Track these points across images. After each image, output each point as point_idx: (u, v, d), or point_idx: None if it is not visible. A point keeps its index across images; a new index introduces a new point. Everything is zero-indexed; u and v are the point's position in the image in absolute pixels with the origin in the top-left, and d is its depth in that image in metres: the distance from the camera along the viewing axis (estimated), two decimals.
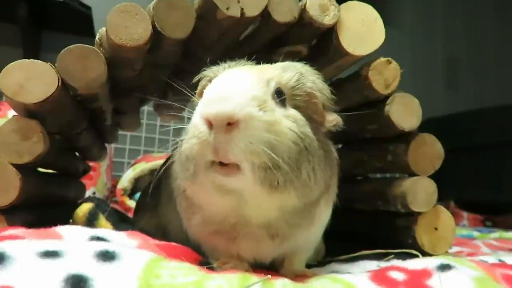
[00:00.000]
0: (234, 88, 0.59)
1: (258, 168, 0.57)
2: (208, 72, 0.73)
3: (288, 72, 0.67)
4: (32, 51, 2.36)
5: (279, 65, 0.70)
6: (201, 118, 0.58)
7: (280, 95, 0.64)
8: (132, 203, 2.11)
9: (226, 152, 0.56)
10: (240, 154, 0.56)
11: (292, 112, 0.64)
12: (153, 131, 2.86)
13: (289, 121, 0.62)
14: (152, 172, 2.17)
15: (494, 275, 0.63)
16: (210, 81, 0.70)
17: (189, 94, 0.71)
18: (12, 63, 0.73)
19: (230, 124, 0.56)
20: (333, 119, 0.69)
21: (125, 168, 2.66)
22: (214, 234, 0.69)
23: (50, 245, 0.54)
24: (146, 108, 2.37)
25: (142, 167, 2.28)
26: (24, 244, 0.54)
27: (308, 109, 0.67)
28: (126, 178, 2.26)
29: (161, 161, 0.80)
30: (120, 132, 1.48)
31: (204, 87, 0.70)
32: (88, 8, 2.38)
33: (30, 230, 0.66)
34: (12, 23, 2.39)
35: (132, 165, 2.40)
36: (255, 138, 0.57)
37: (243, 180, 0.58)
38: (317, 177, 0.65)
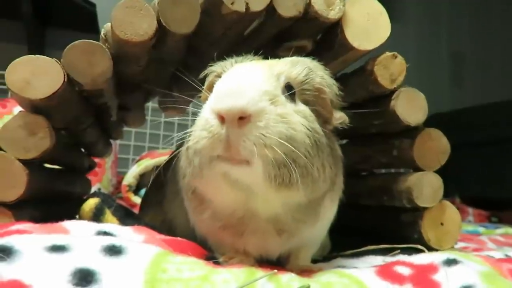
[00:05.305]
0: (246, 83, 0.59)
1: (272, 165, 0.57)
2: (216, 67, 0.73)
3: (297, 67, 0.67)
4: (37, 48, 2.36)
5: (287, 60, 0.70)
6: (213, 113, 0.58)
7: (289, 90, 0.64)
8: (137, 199, 2.11)
9: (239, 147, 0.56)
10: (252, 148, 0.56)
11: (302, 107, 0.65)
12: (158, 127, 2.86)
13: (299, 116, 0.62)
14: (157, 168, 2.17)
15: (501, 270, 0.62)
16: (217, 76, 0.70)
17: (198, 87, 0.71)
18: (18, 59, 0.74)
19: (242, 119, 0.56)
20: (339, 117, 0.70)
21: (130, 164, 2.67)
22: (222, 228, 0.68)
23: (57, 239, 0.55)
24: (151, 105, 2.37)
25: (147, 163, 2.28)
26: (32, 239, 0.55)
27: (317, 104, 0.67)
28: (131, 174, 2.27)
29: (166, 157, 0.81)
30: (125, 128, 1.48)
31: (212, 82, 0.70)
32: (92, 5, 2.38)
33: (37, 225, 0.67)
34: (16, 20, 2.39)
35: (137, 161, 2.40)
36: (268, 130, 0.56)
37: (252, 174, 0.58)
38: (325, 174, 0.65)
